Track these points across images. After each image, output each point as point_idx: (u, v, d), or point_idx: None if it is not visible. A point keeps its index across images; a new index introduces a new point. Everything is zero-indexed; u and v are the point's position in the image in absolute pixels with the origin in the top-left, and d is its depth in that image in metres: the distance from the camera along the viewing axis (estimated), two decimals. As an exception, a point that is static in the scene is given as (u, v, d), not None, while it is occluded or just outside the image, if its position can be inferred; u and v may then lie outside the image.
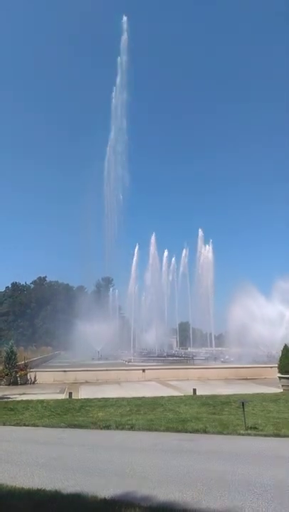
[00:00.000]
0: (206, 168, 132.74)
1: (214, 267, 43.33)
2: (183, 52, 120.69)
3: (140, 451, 7.42)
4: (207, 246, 45.00)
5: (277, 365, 15.71)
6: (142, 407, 11.53)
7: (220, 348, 41.65)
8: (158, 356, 36.59)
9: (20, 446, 7.80)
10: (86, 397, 13.86)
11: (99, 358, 34.52)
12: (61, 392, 15.57)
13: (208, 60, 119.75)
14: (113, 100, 58.64)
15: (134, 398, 13.18)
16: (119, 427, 9.07)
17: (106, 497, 4.87)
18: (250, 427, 8.58)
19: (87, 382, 18.51)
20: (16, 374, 18.57)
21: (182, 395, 14.14)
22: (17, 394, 14.92)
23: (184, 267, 51.82)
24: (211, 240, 45.11)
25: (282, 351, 15.45)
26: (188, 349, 50.52)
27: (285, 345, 15.63)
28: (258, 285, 36.88)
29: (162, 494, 5.06)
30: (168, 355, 37.86)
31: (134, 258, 46.91)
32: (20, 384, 18.33)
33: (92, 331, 38.56)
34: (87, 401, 12.78)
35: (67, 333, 45.15)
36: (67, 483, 5.47)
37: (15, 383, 18.29)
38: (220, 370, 21.45)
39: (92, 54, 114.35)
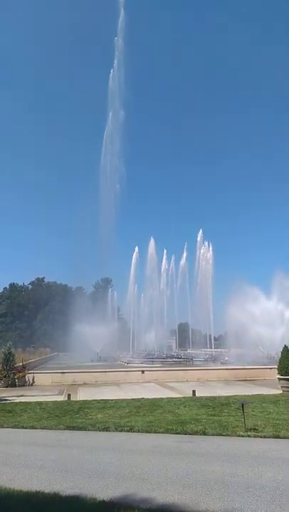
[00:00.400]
0: (206, 170, 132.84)
1: (213, 268, 43.35)
2: (182, 52, 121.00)
3: (139, 452, 7.39)
4: (206, 247, 45.02)
5: (276, 367, 15.69)
6: (141, 408, 11.49)
7: (219, 350, 41.64)
8: (157, 357, 36.53)
9: (19, 449, 7.76)
10: (85, 398, 13.81)
11: (98, 360, 34.44)
12: (60, 393, 15.52)
13: (207, 60, 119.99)
14: (110, 100, 58.50)
15: (133, 400, 13.14)
16: (118, 428, 9.04)
17: (105, 499, 4.84)
18: (250, 429, 8.55)
19: (85, 384, 18.46)
20: (14, 376, 18.50)
21: (181, 396, 14.10)
22: (15, 396, 14.86)
23: (184, 268, 51.84)
24: (210, 241, 45.11)
25: (282, 353, 15.43)
26: (188, 350, 50.50)
27: (285, 347, 15.62)
28: (258, 286, 36.78)
29: (161, 496, 5.04)
30: (167, 357, 37.80)
31: (133, 259, 46.96)
32: (19, 386, 18.27)
33: (91, 333, 38.48)
34: (86, 403, 12.74)
35: (65, 335, 45.07)
36: (66, 485, 5.44)
37: (13, 385, 18.23)
38: (219, 372, 21.42)
39: (92, 53, 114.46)
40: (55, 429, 9.30)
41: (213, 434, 8.42)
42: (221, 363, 28.96)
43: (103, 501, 4.77)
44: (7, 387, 17.94)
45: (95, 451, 7.57)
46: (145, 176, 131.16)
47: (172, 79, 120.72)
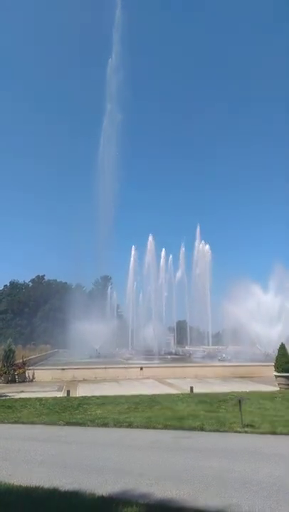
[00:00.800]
0: (205, 165, 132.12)
1: (212, 265, 43.42)
2: (182, 51, 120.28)
3: (138, 448, 7.47)
4: (204, 243, 45.10)
5: (273, 364, 15.80)
6: (139, 404, 11.58)
7: (217, 347, 41.81)
8: (156, 354, 36.67)
9: (18, 444, 7.83)
10: (84, 394, 13.89)
11: (97, 356, 34.58)
12: (59, 390, 15.60)
13: (207, 57, 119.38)
14: (108, 98, 58.11)
15: (132, 396, 13.22)
16: (117, 424, 9.12)
17: (104, 494, 4.91)
18: (247, 425, 8.64)
19: (85, 380, 18.54)
20: (14, 372, 18.57)
21: (179, 392, 14.20)
22: (15, 392, 14.93)
23: (182, 265, 51.94)
24: (208, 238, 45.24)
25: (279, 350, 15.54)
26: (186, 347, 50.62)
27: (282, 344, 15.73)
28: (256, 282, 36.77)
29: (160, 491, 5.11)
30: (165, 354, 37.95)
31: (132, 257, 46.97)
32: (19, 382, 18.35)
33: (91, 330, 38.54)
34: (85, 399, 12.82)
35: (65, 332, 45.12)
36: (66, 481, 5.50)
37: (13, 381, 18.30)
38: (217, 369, 21.53)
39: (91, 53, 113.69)
40: (54, 424, 9.36)
41: (210, 430, 8.50)
42: (219, 360, 29.08)
43: (102, 496, 4.84)
44: (7, 383, 18.02)
45: (94, 446, 7.65)
46: (144, 170, 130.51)
47: (172, 75, 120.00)
